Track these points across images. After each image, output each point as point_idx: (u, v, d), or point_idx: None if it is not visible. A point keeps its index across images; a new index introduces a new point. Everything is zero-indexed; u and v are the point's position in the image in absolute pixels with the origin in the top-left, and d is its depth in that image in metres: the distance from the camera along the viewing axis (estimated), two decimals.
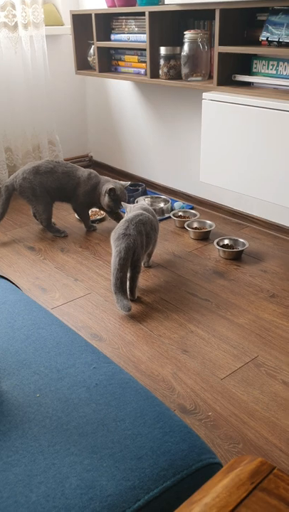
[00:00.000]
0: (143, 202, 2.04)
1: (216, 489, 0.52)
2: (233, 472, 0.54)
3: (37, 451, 0.70)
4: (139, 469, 0.68)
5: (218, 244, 2.17)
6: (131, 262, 1.75)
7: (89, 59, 2.72)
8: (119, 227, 1.78)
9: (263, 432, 1.26)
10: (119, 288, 1.73)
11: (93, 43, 2.57)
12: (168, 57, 2.17)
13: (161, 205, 2.63)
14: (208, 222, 2.36)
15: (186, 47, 2.05)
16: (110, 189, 2.20)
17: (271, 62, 1.87)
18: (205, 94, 1.98)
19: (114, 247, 1.75)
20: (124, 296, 1.74)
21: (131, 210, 1.95)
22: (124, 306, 1.71)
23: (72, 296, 1.87)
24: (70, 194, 2.33)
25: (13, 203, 2.79)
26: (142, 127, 2.88)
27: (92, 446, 0.71)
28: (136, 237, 1.75)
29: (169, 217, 2.52)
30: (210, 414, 1.32)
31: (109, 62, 2.61)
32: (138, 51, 2.39)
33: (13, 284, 1.24)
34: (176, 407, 1.34)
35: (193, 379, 1.44)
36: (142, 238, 1.78)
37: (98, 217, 2.55)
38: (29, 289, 1.92)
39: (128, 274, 1.78)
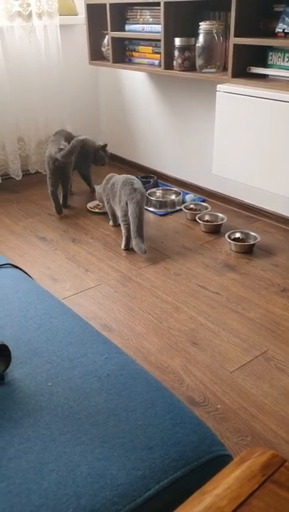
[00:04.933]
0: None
1: (228, 480, 0.52)
2: (245, 464, 0.54)
3: (48, 439, 0.71)
4: (150, 459, 0.68)
5: (229, 237, 2.16)
6: None
7: (103, 49, 2.70)
8: (125, 186, 2.05)
9: (272, 426, 1.26)
10: (140, 233, 2.02)
11: (107, 34, 2.56)
12: (182, 49, 2.15)
13: (173, 197, 2.62)
14: (220, 215, 2.35)
15: (201, 38, 2.03)
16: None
17: (287, 55, 1.85)
18: (219, 86, 1.96)
19: (130, 200, 2.01)
20: (142, 240, 2.03)
21: (108, 182, 2.23)
22: (141, 248, 2.01)
23: (82, 286, 1.88)
24: None
25: (24, 193, 2.80)
26: (154, 119, 2.87)
27: (103, 436, 0.71)
28: (143, 189, 2.10)
29: (180, 209, 2.51)
30: (219, 406, 1.32)
31: (123, 53, 2.59)
32: (152, 42, 2.37)
33: (26, 273, 1.25)
34: (186, 399, 1.34)
35: (202, 371, 1.44)
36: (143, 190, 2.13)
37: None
38: (40, 279, 1.93)
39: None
